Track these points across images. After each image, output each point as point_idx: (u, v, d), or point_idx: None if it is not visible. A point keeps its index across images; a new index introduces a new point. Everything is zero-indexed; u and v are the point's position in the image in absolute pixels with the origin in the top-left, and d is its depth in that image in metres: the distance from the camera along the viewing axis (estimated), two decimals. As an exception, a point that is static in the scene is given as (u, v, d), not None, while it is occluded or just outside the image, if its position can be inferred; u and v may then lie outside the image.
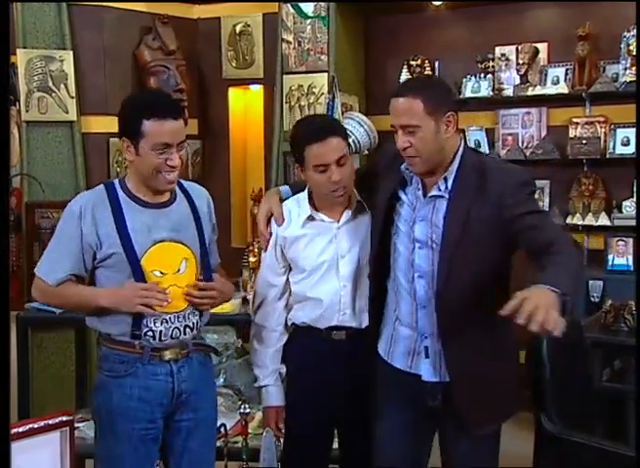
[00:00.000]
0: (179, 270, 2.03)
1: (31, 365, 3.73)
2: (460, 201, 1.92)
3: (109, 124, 4.35)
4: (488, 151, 4.34)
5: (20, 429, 1.19)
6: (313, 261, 2.19)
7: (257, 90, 4.96)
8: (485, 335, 1.95)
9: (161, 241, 2.01)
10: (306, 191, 2.23)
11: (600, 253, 3.98)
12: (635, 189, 3.90)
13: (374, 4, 4.36)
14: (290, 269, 2.26)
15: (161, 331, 2.01)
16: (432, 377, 2.00)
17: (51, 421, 1.23)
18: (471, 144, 4.38)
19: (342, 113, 4.07)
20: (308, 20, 4.32)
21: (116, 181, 2.07)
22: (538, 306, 1.57)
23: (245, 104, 5.10)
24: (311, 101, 4.33)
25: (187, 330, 2.05)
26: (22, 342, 3.32)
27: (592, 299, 3.81)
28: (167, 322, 2.01)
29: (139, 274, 1.98)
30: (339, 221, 2.19)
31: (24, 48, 4.10)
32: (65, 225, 2.01)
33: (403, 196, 2.04)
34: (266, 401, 2.31)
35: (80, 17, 4.25)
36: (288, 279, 2.26)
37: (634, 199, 3.95)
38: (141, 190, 2.03)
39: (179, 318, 2.03)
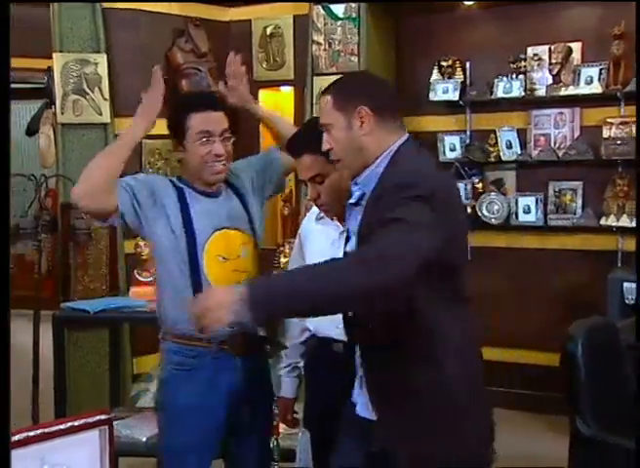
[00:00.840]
0: (239, 256, 2.11)
1: (67, 364, 3.78)
2: (369, 209, 1.68)
3: (142, 126, 4.41)
4: (520, 152, 4.31)
5: (62, 426, 1.20)
6: (316, 259, 2.11)
7: (287, 91, 4.96)
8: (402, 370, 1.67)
9: (221, 228, 2.09)
10: None
11: (633, 256, 3.91)
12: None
13: (404, 4, 4.34)
14: None
15: None
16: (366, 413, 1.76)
17: (90, 420, 1.25)
18: (503, 145, 4.34)
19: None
20: (339, 22, 4.32)
21: (174, 178, 2.17)
22: (206, 307, 1.49)
23: (275, 105, 5.11)
24: (342, 103, 4.32)
25: None
26: (59, 341, 3.35)
27: (627, 302, 3.74)
28: None
29: (195, 260, 2.03)
30: (342, 226, 2.11)
31: (61, 52, 4.16)
32: (142, 176, 2.15)
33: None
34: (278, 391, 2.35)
35: (114, 20, 4.29)
36: None
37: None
38: (196, 183, 2.12)
39: None
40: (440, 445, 1.65)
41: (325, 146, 1.77)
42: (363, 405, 1.76)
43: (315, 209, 2.21)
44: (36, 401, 3.91)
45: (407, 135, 1.75)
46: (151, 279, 3.58)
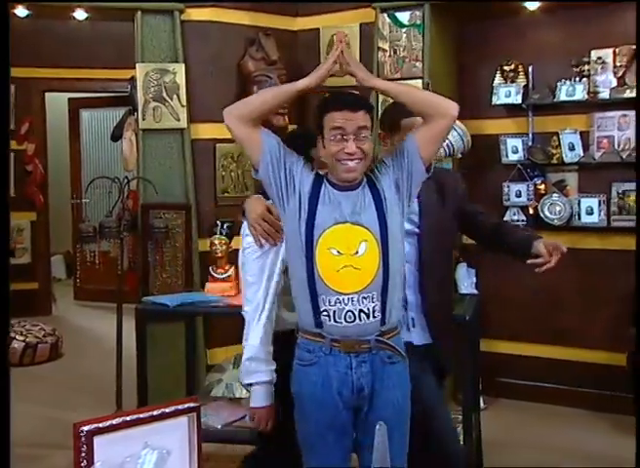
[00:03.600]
0: (357, 252, 2.02)
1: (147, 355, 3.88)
2: (429, 198, 2.44)
3: (216, 130, 4.48)
4: (582, 154, 4.21)
5: (155, 413, 1.26)
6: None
7: (353, 96, 4.98)
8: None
9: (343, 222, 2.04)
10: None
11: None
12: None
13: (467, 10, 4.29)
14: None
15: (334, 312, 2.01)
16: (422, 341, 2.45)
17: (180, 407, 1.30)
18: (565, 147, 4.25)
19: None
20: (404, 29, 4.31)
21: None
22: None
23: (341, 110, 5.14)
24: (406, 107, 4.30)
25: (362, 315, 2.02)
26: (141, 334, 3.43)
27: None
28: (340, 303, 2.01)
29: (310, 249, 2.03)
30: None
31: (143, 62, 4.29)
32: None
33: None
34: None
35: (191, 32, 4.39)
36: None
37: None
38: (332, 177, 2.10)
39: (352, 300, 2.01)
40: None
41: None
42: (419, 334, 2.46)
43: None
44: (120, 389, 4.04)
45: None
46: (225, 275, 3.65)
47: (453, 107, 2.10)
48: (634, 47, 4.01)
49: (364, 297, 2.01)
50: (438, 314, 2.47)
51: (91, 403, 4.39)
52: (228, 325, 3.65)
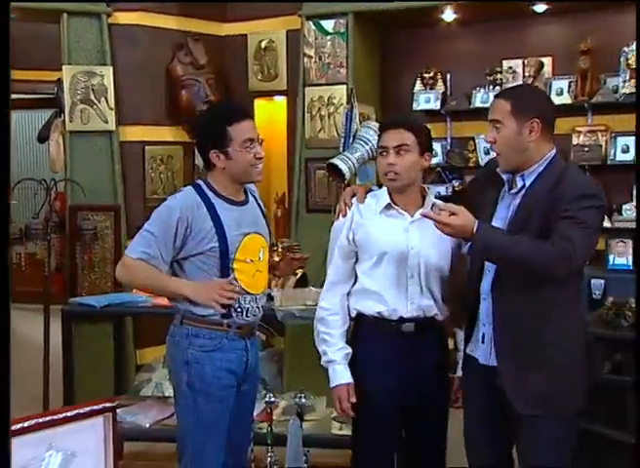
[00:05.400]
0: (259, 258, 2.26)
1: (75, 354, 3.81)
2: (532, 197, 1.99)
3: (145, 133, 4.45)
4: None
5: (69, 414, 1.24)
6: (383, 247, 2.13)
7: (280, 101, 5.00)
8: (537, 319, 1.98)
9: (248, 234, 2.21)
10: (385, 188, 2.23)
11: (602, 254, 3.97)
12: (635, 193, 3.89)
13: (390, 20, 4.38)
14: (357, 260, 2.20)
15: (247, 309, 2.23)
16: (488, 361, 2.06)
17: (95, 407, 1.29)
18: (481, 151, 4.39)
19: (360, 122, 4.10)
20: (329, 37, 4.36)
21: (201, 183, 2.23)
22: (450, 221, 1.89)
23: (269, 114, 5.15)
24: (331, 111, 4.36)
25: (259, 311, 2.29)
26: (67, 334, 3.38)
27: (594, 297, 3.81)
28: (253, 301, 2.24)
29: (226, 266, 2.17)
30: (412, 216, 2.17)
31: (69, 64, 4.19)
32: (159, 218, 2.15)
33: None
34: (335, 379, 2.16)
35: (119, 35, 4.33)
36: (354, 268, 2.21)
37: (633, 203, 3.95)
38: (228, 191, 2.22)
39: (259, 299, 2.28)
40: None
41: (489, 139, 2.04)
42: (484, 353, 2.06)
43: (369, 202, 2.21)
44: (47, 389, 3.94)
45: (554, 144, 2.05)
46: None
47: None
48: (541, 59, 4.19)
49: (263, 296, 2.34)
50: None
51: (19, 404, 4.25)
52: (157, 325, 3.60)
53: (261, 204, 2.39)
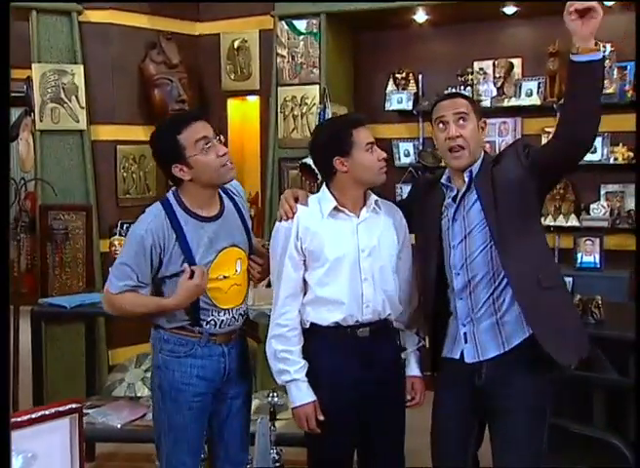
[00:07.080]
0: (236, 271, 2.16)
1: (45, 356, 3.75)
2: (484, 181, 2.03)
3: (117, 132, 4.39)
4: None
5: (33, 416, 1.21)
6: (336, 253, 2.06)
7: (253, 100, 4.98)
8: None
9: (223, 249, 2.12)
10: (326, 190, 2.14)
11: (570, 252, 4.03)
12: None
13: (362, 20, 4.39)
14: (306, 269, 2.11)
15: (222, 321, 2.16)
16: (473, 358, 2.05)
17: (61, 408, 1.26)
18: (452, 151, 4.42)
19: (333, 122, 4.09)
20: (301, 37, 4.35)
21: (171, 197, 2.12)
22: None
23: (242, 114, 5.13)
24: (304, 111, 4.35)
25: (240, 318, 2.22)
26: (36, 335, 3.32)
27: None
28: (229, 313, 2.16)
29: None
30: (358, 217, 2.12)
31: (39, 62, 4.12)
32: (131, 246, 2.08)
33: (444, 210, 2.12)
34: (300, 398, 2.08)
35: (90, 33, 4.27)
36: (304, 278, 2.11)
37: (601, 202, 4.00)
38: (199, 205, 2.10)
39: (238, 310, 2.20)
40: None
41: (454, 134, 2.04)
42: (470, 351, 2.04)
43: (312, 207, 2.11)
44: (16, 391, 3.87)
45: None
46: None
47: None
48: (510, 60, 4.23)
49: (244, 305, 2.26)
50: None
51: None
52: (130, 325, 3.58)
53: (243, 207, 2.24)
